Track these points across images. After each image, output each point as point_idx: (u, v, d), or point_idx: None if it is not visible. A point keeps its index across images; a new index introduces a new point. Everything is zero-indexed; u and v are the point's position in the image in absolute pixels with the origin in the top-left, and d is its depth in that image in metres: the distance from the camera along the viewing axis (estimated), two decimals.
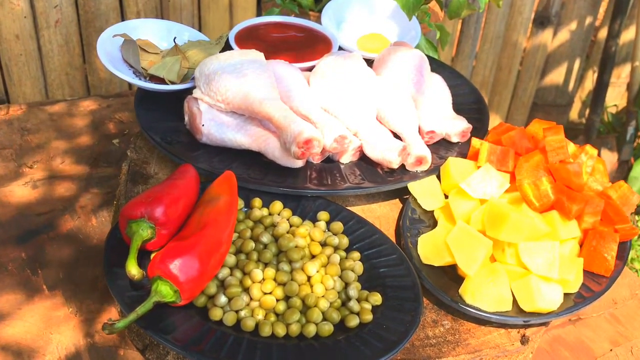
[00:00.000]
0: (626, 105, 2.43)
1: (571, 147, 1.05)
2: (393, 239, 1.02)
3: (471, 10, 1.45)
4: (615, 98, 2.66)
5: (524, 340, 0.92)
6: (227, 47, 1.21)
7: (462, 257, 0.91)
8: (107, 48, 1.14)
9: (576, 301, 0.94)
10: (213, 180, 0.96)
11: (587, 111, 2.56)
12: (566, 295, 0.94)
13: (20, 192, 1.28)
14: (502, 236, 0.91)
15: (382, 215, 1.06)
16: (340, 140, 1.04)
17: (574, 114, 2.68)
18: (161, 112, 1.10)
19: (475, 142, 1.08)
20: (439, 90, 1.21)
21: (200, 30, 2.04)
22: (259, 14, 2.05)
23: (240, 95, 1.01)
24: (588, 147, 1.06)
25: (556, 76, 2.51)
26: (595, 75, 2.52)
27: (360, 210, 1.07)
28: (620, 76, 2.59)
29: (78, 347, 0.94)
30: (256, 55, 1.07)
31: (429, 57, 1.33)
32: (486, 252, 0.91)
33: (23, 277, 1.04)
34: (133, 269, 0.81)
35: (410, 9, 1.29)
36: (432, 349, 0.88)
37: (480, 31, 2.32)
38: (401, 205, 1.08)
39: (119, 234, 0.89)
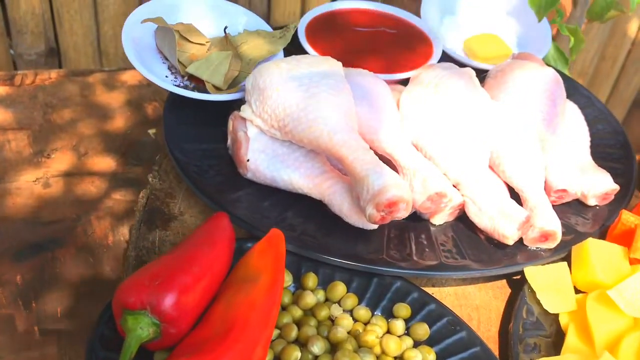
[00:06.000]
0: None
1: None
2: (496, 344, 0.73)
3: (618, 12, 1.10)
4: None
5: None
6: (294, 41, 0.91)
7: None
8: (137, 32, 0.86)
9: None
10: (253, 237, 0.69)
11: None
12: None
13: (29, 190, 1.07)
14: None
15: (482, 305, 0.76)
16: (436, 199, 0.74)
17: None
18: (198, 127, 0.82)
19: (627, 217, 0.76)
20: (575, 127, 0.89)
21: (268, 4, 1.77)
22: None
23: (304, 124, 0.72)
24: None
25: None
26: None
27: (453, 294, 0.77)
28: None
29: None
30: (331, 65, 0.77)
31: (558, 72, 1.00)
32: None
33: (13, 309, 0.86)
34: None
35: (542, 7, 0.96)
36: None
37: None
38: (509, 290, 0.78)
39: (112, 317, 0.62)
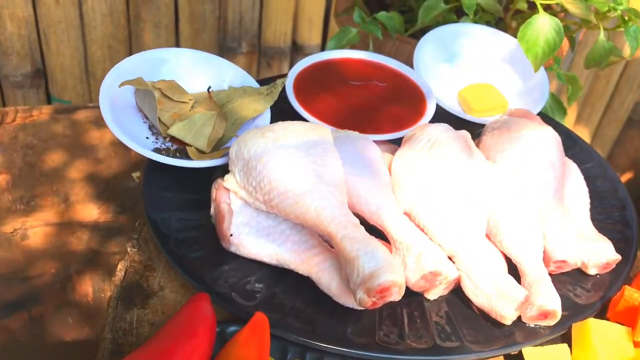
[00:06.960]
0: None
1: None
2: None
3: (617, 58, 1.07)
4: None
5: None
6: (281, 94, 0.87)
7: None
8: (116, 89, 0.82)
9: None
10: (236, 320, 0.66)
11: None
12: None
13: (6, 243, 1.03)
14: None
15: None
16: (431, 278, 0.70)
17: None
18: (180, 193, 0.78)
19: (630, 293, 0.72)
20: (574, 189, 0.85)
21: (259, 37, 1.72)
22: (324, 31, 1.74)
23: (290, 199, 0.68)
24: None
25: None
26: None
27: None
28: None
29: None
30: (320, 134, 0.73)
31: (554, 124, 0.96)
32: None
33: None
34: None
35: (539, 58, 0.93)
36: None
37: (579, 35, 1.96)
38: None
39: None
